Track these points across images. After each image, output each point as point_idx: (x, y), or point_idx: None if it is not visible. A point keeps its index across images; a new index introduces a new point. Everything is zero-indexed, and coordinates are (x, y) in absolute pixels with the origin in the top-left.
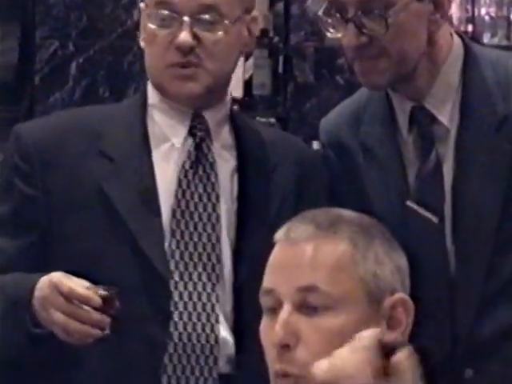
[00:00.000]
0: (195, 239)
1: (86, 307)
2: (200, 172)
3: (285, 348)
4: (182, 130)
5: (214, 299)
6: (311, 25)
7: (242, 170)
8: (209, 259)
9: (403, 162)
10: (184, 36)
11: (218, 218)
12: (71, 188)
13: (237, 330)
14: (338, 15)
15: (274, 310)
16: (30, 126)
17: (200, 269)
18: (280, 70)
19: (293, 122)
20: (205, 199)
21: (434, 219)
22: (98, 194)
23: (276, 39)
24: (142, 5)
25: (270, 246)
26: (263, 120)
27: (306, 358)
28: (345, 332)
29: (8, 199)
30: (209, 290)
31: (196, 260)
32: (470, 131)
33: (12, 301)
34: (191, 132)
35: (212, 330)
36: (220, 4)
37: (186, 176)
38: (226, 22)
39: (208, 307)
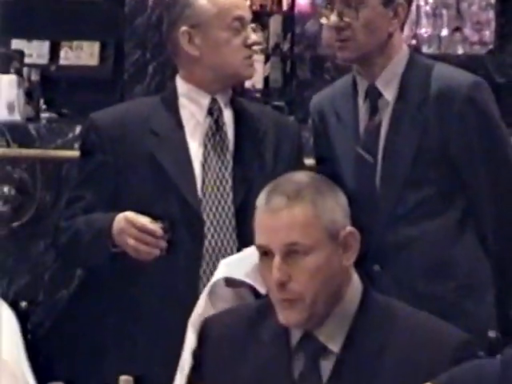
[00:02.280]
0: (217, 183)
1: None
2: (217, 138)
3: (282, 284)
4: (204, 110)
5: (229, 223)
6: (308, 40)
7: (238, 135)
8: (222, 196)
9: (358, 121)
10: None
11: (227, 168)
12: (131, 154)
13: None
14: (328, 6)
15: (267, 255)
16: (101, 113)
17: (220, 202)
18: (288, 70)
19: (295, 105)
20: (222, 156)
21: (371, 159)
22: (149, 158)
23: (285, 49)
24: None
25: (260, 179)
26: (276, 103)
27: (297, 288)
28: (320, 266)
29: (87, 164)
30: (224, 217)
31: (217, 196)
32: (402, 105)
33: (98, 230)
34: (210, 111)
35: (232, 246)
36: None
37: (209, 141)
38: None
39: (229, 229)
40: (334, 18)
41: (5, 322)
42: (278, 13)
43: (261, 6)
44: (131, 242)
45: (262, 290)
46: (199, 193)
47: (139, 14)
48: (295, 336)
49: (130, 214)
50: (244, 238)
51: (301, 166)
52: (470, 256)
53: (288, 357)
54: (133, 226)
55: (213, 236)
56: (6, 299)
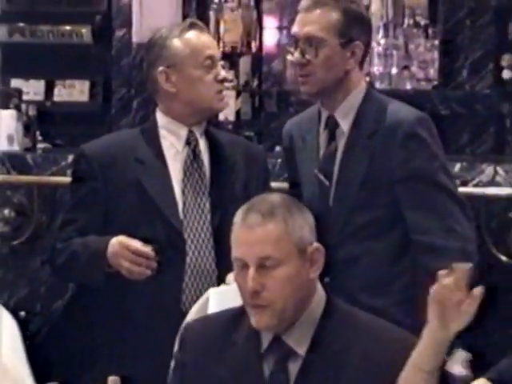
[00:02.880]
0: (196, 206)
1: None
2: (195, 165)
3: (255, 292)
4: (182, 141)
5: (208, 241)
6: (275, 77)
7: (213, 162)
8: (201, 217)
9: (318, 147)
10: None
11: (204, 192)
12: (119, 181)
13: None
14: (293, 45)
15: (243, 266)
16: (90, 144)
17: (199, 223)
18: (256, 104)
19: (264, 136)
20: (199, 182)
21: (326, 183)
22: (136, 183)
23: (254, 86)
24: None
25: (234, 201)
26: (247, 134)
27: (269, 296)
28: (289, 277)
29: (78, 190)
30: (203, 236)
31: (196, 218)
32: (355, 135)
33: (93, 253)
34: (187, 142)
35: (211, 262)
36: None
37: (188, 168)
38: None
39: (208, 247)
40: (296, 55)
41: (7, 329)
42: (248, 54)
43: (232, 47)
44: (125, 264)
45: None
46: (181, 215)
47: (124, 56)
48: (266, 340)
49: (123, 239)
50: (221, 254)
51: (268, 188)
52: (406, 275)
53: (259, 359)
54: (127, 250)
55: (193, 253)
56: (6, 309)
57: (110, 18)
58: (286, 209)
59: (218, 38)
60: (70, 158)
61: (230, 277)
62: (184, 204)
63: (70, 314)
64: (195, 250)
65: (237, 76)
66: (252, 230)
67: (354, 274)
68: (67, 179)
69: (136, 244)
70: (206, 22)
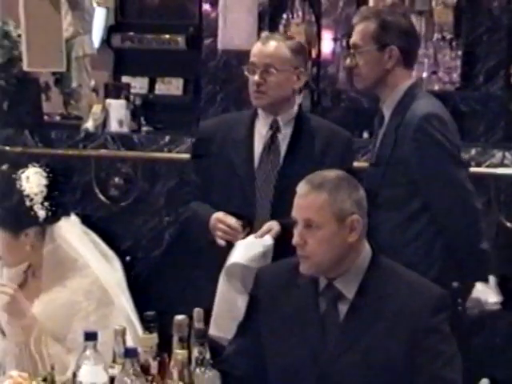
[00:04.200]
0: (266, 179)
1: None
2: (272, 147)
3: (299, 245)
4: (266, 127)
5: (272, 199)
6: (330, 78)
7: (294, 143)
8: (271, 182)
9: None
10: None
11: (277, 165)
12: (220, 153)
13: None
14: (347, 53)
15: (296, 224)
16: (207, 122)
17: (268, 187)
18: (315, 99)
19: None
20: (273, 162)
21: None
22: (228, 158)
23: (313, 85)
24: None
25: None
26: None
27: (309, 250)
28: (326, 238)
29: (198, 164)
30: (271, 197)
31: (267, 184)
32: (389, 125)
33: (199, 223)
34: (271, 127)
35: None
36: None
37: (268, 146)
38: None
39: (267, 216)
40: (348, 60)
41: (116, 271)
42: (309, 59)
43: None
44: (219, 234)
45: None
46: (256, 181)
47: (211, 59)
48: (322, 284)
49: (219, 215)
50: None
51: (347, 167)
52: (418, 240)
53: (316, 298)
54: (222, 224)
55: (262, 209)
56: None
57: (200, 29)
58: (334, 184)
59: None
60: (167, 138)
61: (258, 234)
62: (258, 174)
63: (165, 260)
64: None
65: None
66: (302, 197)
67: (375, 237)
68: (165, 155)
69: (229, 220)
70: None
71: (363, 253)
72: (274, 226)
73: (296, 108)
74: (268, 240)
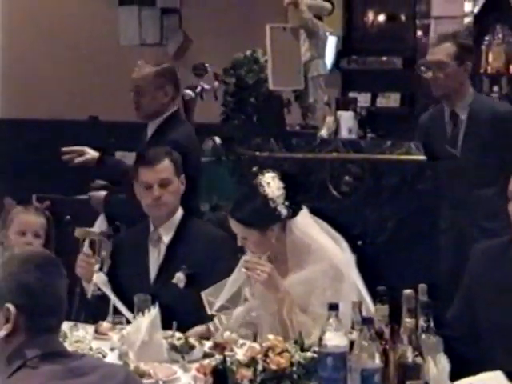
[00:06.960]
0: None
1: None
2: None
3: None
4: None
5: None
6: None
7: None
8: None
9: (445, 131)
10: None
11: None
12: None
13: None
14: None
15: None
16: None
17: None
18: None
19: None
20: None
21: (454, 152)
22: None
23: None
24: None
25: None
26: None
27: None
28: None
29: None
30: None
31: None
32: (469, 123)
33: None
34: None
35: None
36: None
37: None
38: None
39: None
40: (429, 73)
41: (345, 252)
42: (507, 74)
43: (496, 70)
44: None
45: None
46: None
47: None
48: None
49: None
50: None
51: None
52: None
53: None
54: None
55: None
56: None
57: (414, 51)
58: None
59: (486, 63)
60: (389, 143)
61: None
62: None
63: (389, 245)
64: None
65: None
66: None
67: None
68: (387, 156)
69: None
70: (479, 54)
71: None
72: None
73: None
74: None
